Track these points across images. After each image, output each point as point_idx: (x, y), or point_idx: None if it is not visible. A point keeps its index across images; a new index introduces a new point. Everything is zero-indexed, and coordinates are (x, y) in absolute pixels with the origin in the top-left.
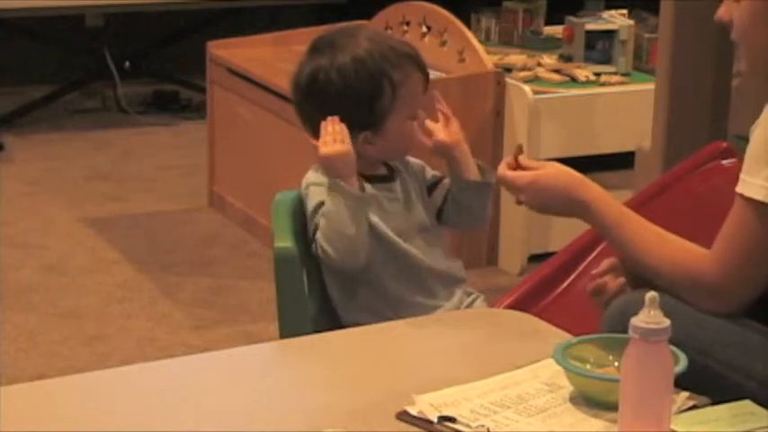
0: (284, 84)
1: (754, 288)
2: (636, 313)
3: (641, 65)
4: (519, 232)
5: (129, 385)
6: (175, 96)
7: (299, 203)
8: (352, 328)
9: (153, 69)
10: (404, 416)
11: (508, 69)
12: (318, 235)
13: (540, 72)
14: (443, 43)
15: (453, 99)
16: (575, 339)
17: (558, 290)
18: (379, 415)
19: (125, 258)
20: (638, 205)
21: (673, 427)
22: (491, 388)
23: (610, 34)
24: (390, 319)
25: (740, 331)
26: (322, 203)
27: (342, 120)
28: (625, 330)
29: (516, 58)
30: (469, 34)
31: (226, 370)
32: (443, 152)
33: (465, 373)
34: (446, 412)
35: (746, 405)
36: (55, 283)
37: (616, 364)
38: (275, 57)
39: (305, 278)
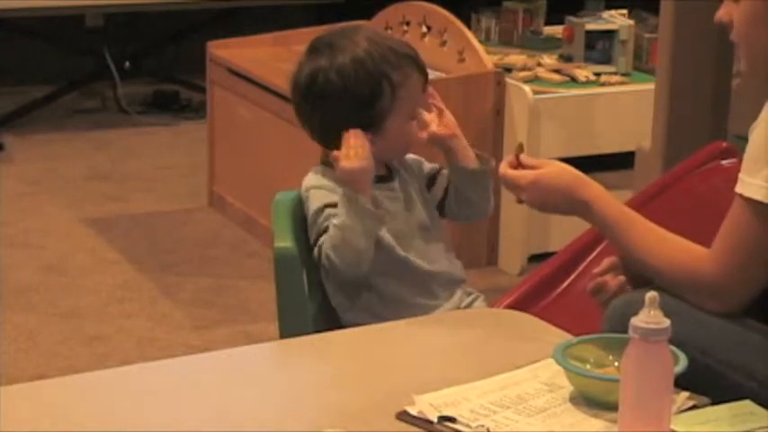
0: (284, 84)
1: (753, 288)
2: (636, 313)
3: (641, 65)
4: (519, 232)
5: (129, 385)
6: (175, 96)
7: (299, 203)
8: (352, 328)
9: (153, 69)
10: (404, 416)
11: (508, 69)
12: (326, 244)
13: (540, 72)
14: (443, 43)
15: (453, 99)
16: (575, 339)
17: (558, 290)
18: (379, 415)
19: (125, 258)
20: (638, 205)
21: (673, 427)
22: (491, 388)
23: (610, 34)
24: (390, 319)
25: (740, 331)
26: (325, 207)
27: (341, 120)
28: (625, 330)
29: (516, 58)
30: (469, 34)
31: (226, 370)
32: (439, 144)
33: (465, 373)
34: (446, 412)
35: (746, 405)
36: (55, 283)
37: (616, 364)
38: (275, 57)
39: (305, 278)
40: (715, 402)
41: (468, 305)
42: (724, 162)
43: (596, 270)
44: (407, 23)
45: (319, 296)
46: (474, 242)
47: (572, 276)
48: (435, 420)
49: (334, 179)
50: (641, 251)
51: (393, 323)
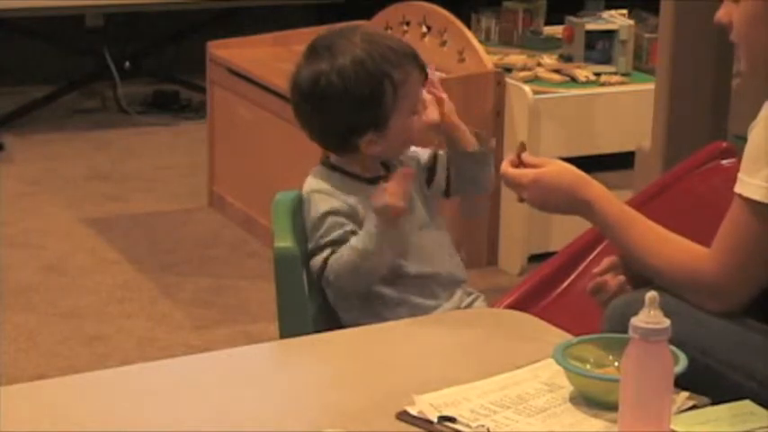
0: (284, 84)
1: (753, 287)
2: (636, 313)
3: (641, 65)
4: (519, 232)
5: (129, 385)
6: (175, 96)
7: (300, 203)
8: (352, 328)
9: (153, 69)
10: (404, 416)
11: (508, 69)
12: (337, 264)
13: (540, 72)
14: (443, 43)
15: (453, 99)
16: (575, 339)
17: (558, 290)
18: (379, 415)
19: (125, 258)
20: (638, 205)
21: (673, 427)
22: (491, 388)
23: (610, 34)
24: (390, 319)
25: (741, 331)
26: (327, 214)
27: (344, 122)
28: (625, 330)
29: (516, 58)
30: (469, 34)
31: (226, 370)
32: (440, 132)
33: (465, 373)
34: (446, 412)
35: (746, 405)
36: (55, 283)
37: (616, 364)
38: (275, 57)
39: (305, 278)
40: (715, 402)
41: (469, 305)
42: (724, 162)
43: (596, 270)
44: (407, 23)
45: (319, 296)
46: (474, 242)
47: (572, 276)
48: (435, 420)
49: (335, 183)
50: (641, 251)
51: (393, 323)
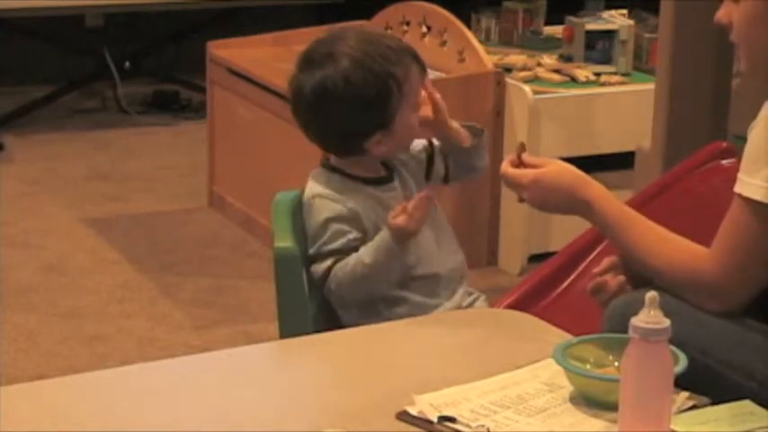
0: (284, 84)
1: (753, 287)
2: (636, 313)
3: (641, 65)
4: (519, 232)
5: (129, 385)
6: (175, 96)
7: (300, 204)
8: (352, 328)
9: (153, 69)
10: (404, 416)
11: (508, 69)
12: (342, 273)
13: (540, 72)
14: (443, 43)
15: (453, 99)
16: (575, 339)
17: (558, 290)
18: (379, 415)
19: (125, 258)
20: (638, 205)
21: (673, 427)
22: (491, 388)
23: (610, 34)
24: (390, 319)
25: (741, 331)
26: (329, 221)
27: (353, 125)
28: (625, 330)
29: (516, 58)
30: (469, 34)
31: (226, 370)
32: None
33: (465, 373)
34: (446, 412)
35: (746, 405)
36: (55, 283)
37: (616, 364)
38: (275, 57)
39: (305, 278)
40: (715, 402)
41: (470, 305)
42: (724, 162)
43: (596, 270)
44: (407, 23)
45: (319, 296)
46: (474, 242)
47: (572, 276)
48: (435, 420)
49: (336, 185)
50: (641, 251)
51: (393, 323)
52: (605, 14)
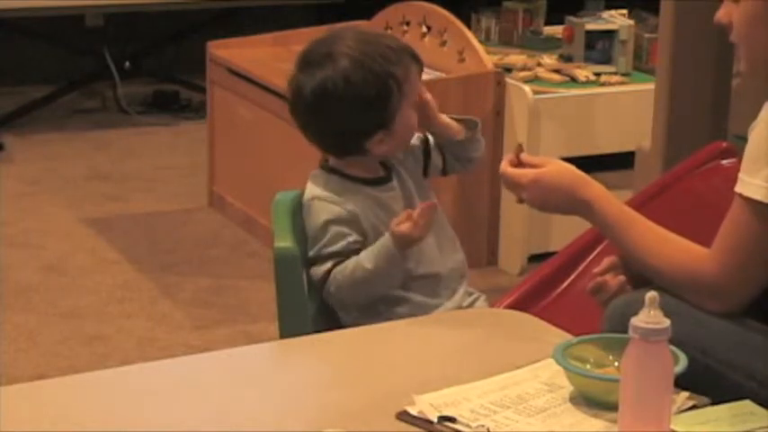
0: (284, 84)
1: (753, 288)
2: (636, 313)
3: (641, 65)
4: (519, 232)
5: (129, 385)
6: (175, 96)
7: (300, 204)
8: (352, 328)
9: (153, 69)
10: (404, 416)
11: (508, 69)
12: (341, 276)
13: (540, 72)
14: (443, 43)
15: (453, 99)
16: (575, 339)
17: (558, 290)
18: (379, 415)
19: (125, 258)
20: (638, 205)
21: (673, 427)
22: (491, 388)
23: (610, 34)
24: (391, 319)
25: (741, 331)
26: (329, 223)
27: (354, 126)
28: (625, 330)
29: (516, 58)
30: (469, 34)
31: (226, 370)
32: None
33: (465, 373)
34: (446, 412)
35: (746, 405)
36: (55, 283)
37: (616, 364)
38: (275, 57)
39: (305, 278)
40: (715, 402)
41: (470, 305)
42: (724, 162)
43: (596, 270)
44: (407, 23)
45: (319, 296)
46: (474, 242)
47: (572, 276)
48: (435, 420)
49: (334, 187)
50: (641, 251)
51: (393, 323)
52: (605, 14)
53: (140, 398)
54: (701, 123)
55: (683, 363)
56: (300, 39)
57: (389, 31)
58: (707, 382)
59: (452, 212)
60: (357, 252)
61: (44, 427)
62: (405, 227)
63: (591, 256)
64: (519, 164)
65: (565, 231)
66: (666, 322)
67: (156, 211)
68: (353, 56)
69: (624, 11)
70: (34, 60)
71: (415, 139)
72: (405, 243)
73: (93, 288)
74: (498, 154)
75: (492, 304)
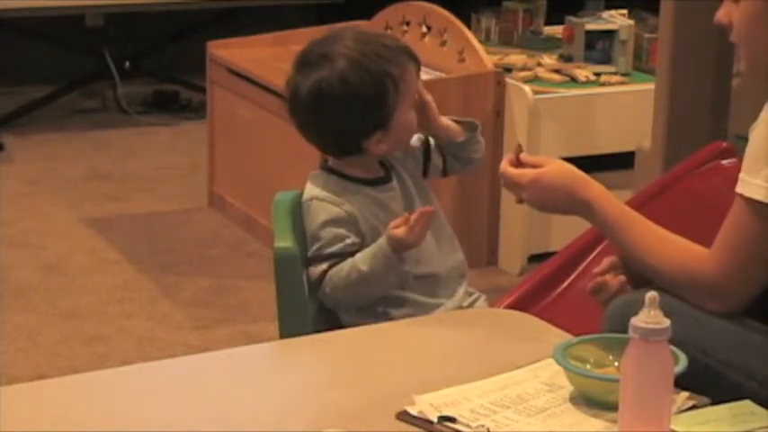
0: (284, 84)
1: (754, 288)
2: (636, 313)
3: (641, 65)
4: (519, 232)
5: (129, 385)
6: (175, 96)
7: (299, 204)
8: (352, 328)
9: (153, 69)
10: (404, 416)
11: (508, 69)
12: (337, 278)
13: (540, 72)
14: (443, 43)
15: (453, 99)
16: (575, 339)
17: (558, 290)
18: (379, 415)
19: (125, 258)
20: (638, 205)
21: (673, 427)
22: (491, 388)
23: (610, 34)
24: (391, 319)
25: (741, 331)
26: (327, 223)
27: (351, 126)
28: (625, 330)
29: (516, 58)
30: (469, 34)
31: (226, 370)
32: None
33: (465, 373)
34: (446, 412)
35: (746, 405)
36: (55, 283)
37: (616, 364)
38: (275, 57)
39: (305, 278)
40: (715, 402)
41: (470, 305)
42: (724, 162)
43: (596, 270)
44: (407, 23)
45: (316, 297)
46: (474, 242)
47: (572, 276)
48: (435, 420)
49: (333, 187)
50: (641, 251)
51: (393, 323)
52: (605, 14)
53: (140, 398)
54: (701, 123)
55: (683, 363)
56: (300, 39)
57: (389, 32)
58: (707, 382)
59: (452, 212)
60: (354, 254)
61: (44, 427)
62: (400, 231)
63: (591, 256)
64: (518, 164)
65: (565, 231)
66: (666, 322)
67: (156, 211)
68: (350, 56)
69: (624, 11)
70: (34, 60)
71: (416, 141)
72: (400, 247)
73: (93, 288)
74: (498, 154)
75: (492, 304)
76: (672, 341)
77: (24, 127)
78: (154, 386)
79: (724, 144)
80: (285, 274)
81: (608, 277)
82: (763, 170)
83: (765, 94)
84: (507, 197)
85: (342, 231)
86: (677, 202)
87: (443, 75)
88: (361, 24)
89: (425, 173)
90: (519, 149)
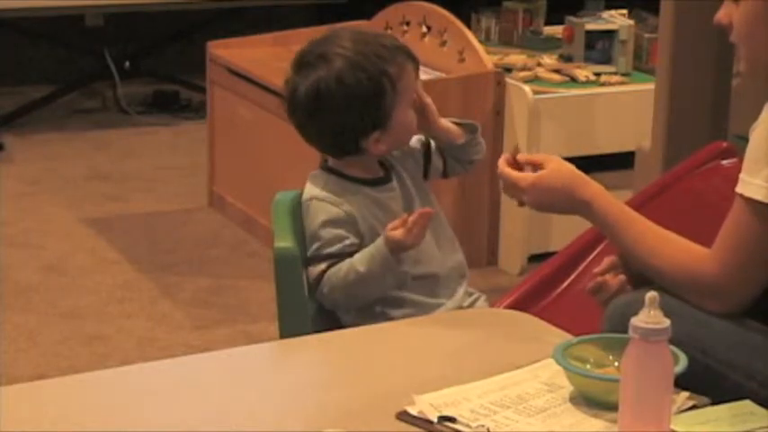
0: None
1: (754, 288)
2: (636, 313)
3: (641, 65)
4: (519, 232)
5: (129, 385)
6: (175, 96)
7: (299, 204)
8: (352, 328)
9: (153, 69)
10: (404, 416)
11: (508, 69)
12: (335, 278)
13: (540, 72)
14: (443, 43)
15: (453, 99)
16: (575, 339)
17: (558, 290)
18: (379, 415)
19: (125, 258)
20: (638, 205)
21: (673, 427)
22: (491, 388)
23: (610, 34)
24: (390, 318)
25: (741, 331)
26: (326, 224)
27: (351, 126)
28: (625, 330)
29: (516, 58)
30: (469, 34)
31: (226, 370)
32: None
33: (465, 373)
34: (446, 412)
35: (746, 405)
36: (55, 283)
37: (616, 364)
38: (275, 57)
39: (305, 278)
40: (715, 402)
41: (470, 305)
42: (724, 162)
43: (596, 269)
44: (407, 23)
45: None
46: (474, 242)
47: (572, 276)
48: (435, 420)
49: (332, 187)
50: (641, 250)
51: (393, 323)
52: (605, 14)
53: (140, 398)
54: (701, 123)
55: (683, 363)
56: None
57: (389, 32)
58: (707, 382)
59: (452, 213)
60: (353, 254)
61: (44, 427)
62: (398, 233)
63: (591, 256)
64: (516, 164)
65: (565, 231)
66: (666, 322)
67: (156, 211)
68: (347, 56)
69: (624, 11)
70: (34, 60)
71: (416, 143)
72: (397, 248)
73: (93, 288)
74: (498, 154)
75: (492, 304)
76: (672, 341)
77: (24, 127)
78: (154, 386)
79: (724, 144)
80: (285, 274)
81: (608, 277)
82: (763, 170)
83: (765, 94)
84: (507, 197)
85: (341, 232)
86: (677, 202)
87: (443, 75)
88: (360, 24)
89: (426, 174)
90: (516, 150)
